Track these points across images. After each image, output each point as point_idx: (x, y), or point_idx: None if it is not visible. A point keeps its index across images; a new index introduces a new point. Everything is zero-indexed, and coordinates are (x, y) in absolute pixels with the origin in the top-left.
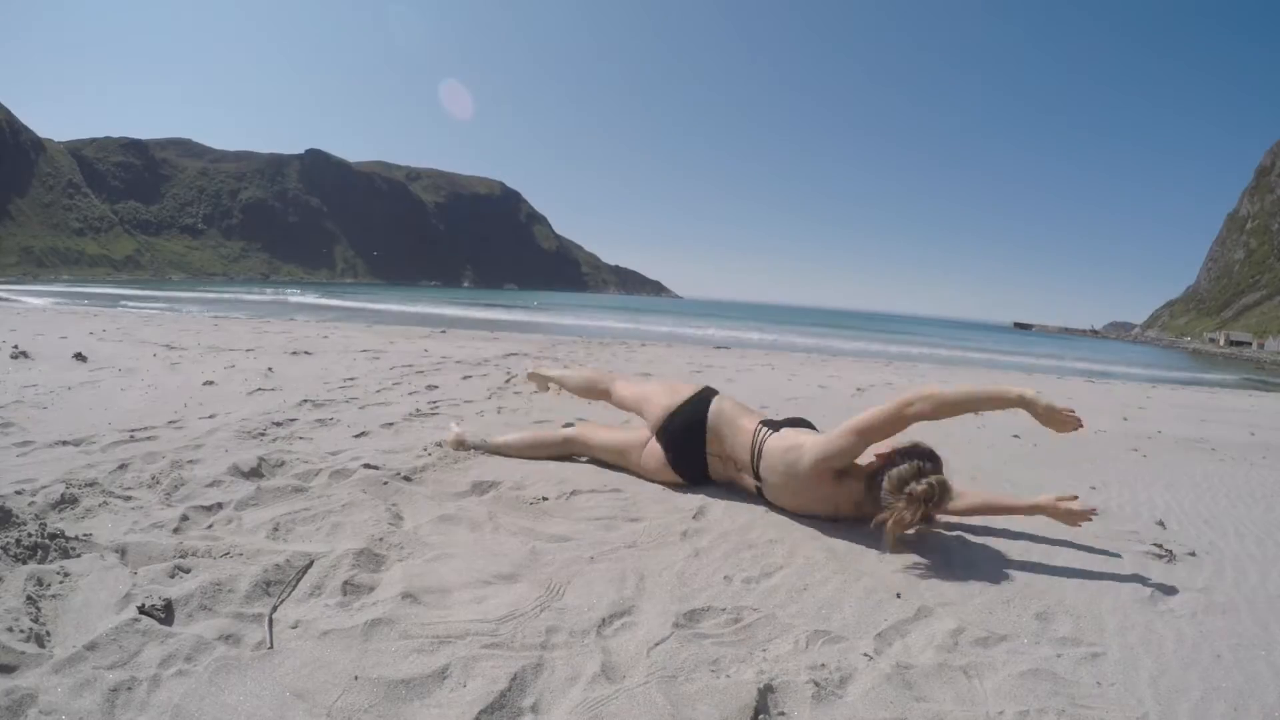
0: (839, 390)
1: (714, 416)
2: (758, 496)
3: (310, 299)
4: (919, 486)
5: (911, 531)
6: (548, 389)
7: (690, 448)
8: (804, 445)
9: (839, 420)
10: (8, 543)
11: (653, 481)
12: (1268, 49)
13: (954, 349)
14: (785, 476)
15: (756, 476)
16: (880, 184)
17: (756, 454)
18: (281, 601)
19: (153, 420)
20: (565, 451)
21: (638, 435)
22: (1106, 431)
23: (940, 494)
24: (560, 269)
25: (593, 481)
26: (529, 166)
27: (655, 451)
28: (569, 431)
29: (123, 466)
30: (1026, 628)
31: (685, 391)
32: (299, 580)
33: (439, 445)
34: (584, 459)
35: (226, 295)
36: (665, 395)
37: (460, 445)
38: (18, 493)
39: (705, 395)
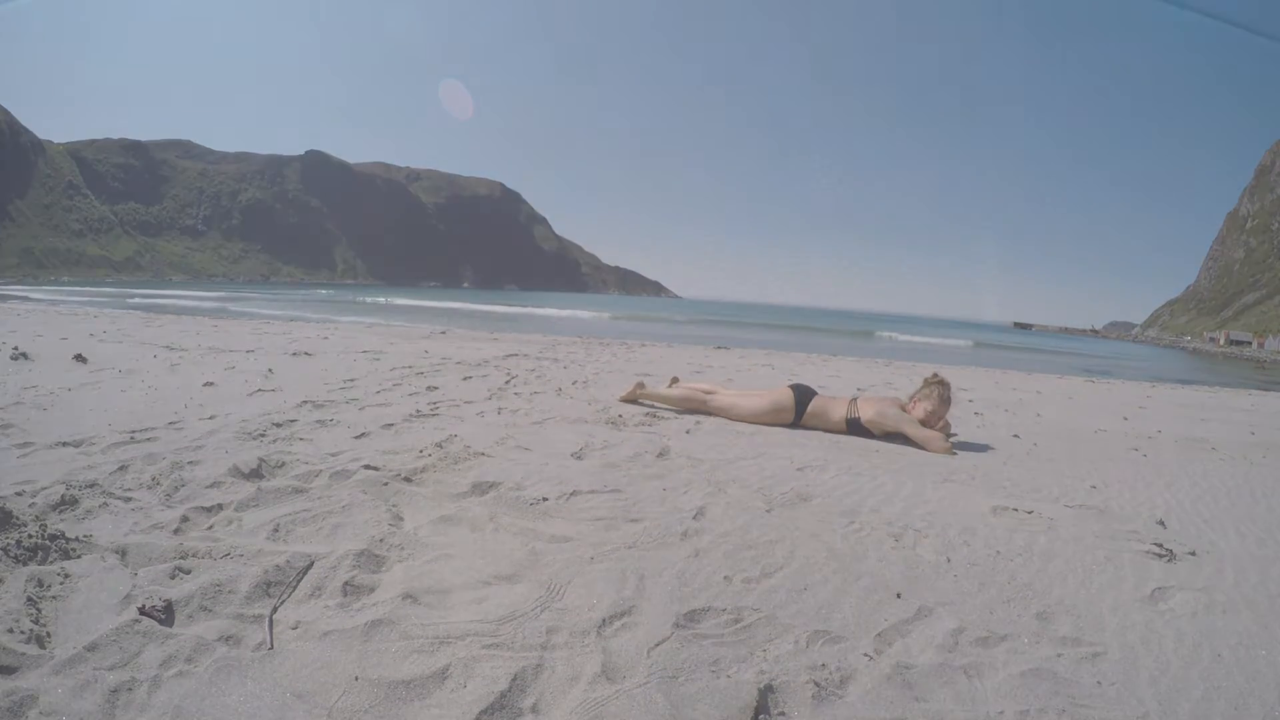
0: (839, 389)
1: (815, 399)
2: (843, 425)
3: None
4: (938, 384)
5: (946, 418)
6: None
7: (803, 399)
8: (886, 413)
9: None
10: (8, 544)
11: (769, 423)
12: (1269, 47)
13: (954, 348)
14: (879, 415)
15: (849, 416)
16: (881, 184)
17: (852, 404)
18: (282, 602)
19: (153, 421)
20: (697, 408)
21: (754, 395)
22: (1106, 431)
23: (947, 386)
24: (560, 270)
25: (593, 482)
26: (529, 167)
27: (788, 395)
28: (703, 397)
29: (123, 468)
30: (1026, 628)
31: (788, 387)
32: (299, 581)
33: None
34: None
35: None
36: (782, 387)
37: (640, 387)
38: (18, 494)
39: (806, 388)
